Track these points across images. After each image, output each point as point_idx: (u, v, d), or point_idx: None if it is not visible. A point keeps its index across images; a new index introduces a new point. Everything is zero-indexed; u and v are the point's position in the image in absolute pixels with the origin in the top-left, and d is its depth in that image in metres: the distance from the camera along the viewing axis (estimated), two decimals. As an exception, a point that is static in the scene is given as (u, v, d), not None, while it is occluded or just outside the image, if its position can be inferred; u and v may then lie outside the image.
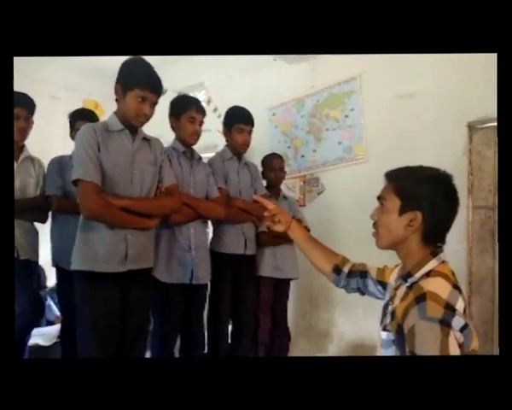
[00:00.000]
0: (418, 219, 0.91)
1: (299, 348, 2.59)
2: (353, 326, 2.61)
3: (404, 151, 2.36)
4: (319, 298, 2.79)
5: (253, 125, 2.10)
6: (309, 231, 2.41)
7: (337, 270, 1.17)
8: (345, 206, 2.65)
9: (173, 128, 1.87)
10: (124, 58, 1.51)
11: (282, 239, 2.21)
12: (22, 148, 1.98)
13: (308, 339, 2.79)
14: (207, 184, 1.88)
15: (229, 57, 2.93)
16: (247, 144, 2.09)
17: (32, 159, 2.03)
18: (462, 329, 0.81)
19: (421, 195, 0.91)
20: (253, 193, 2.13)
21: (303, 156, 2.87)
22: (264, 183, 2.31)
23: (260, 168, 2.33)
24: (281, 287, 2.27)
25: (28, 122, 1.94)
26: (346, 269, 1.17)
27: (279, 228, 1.22)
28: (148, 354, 1.75)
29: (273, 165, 2.31)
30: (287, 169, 2.59)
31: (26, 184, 1.95)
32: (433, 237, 0.94)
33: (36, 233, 2.03)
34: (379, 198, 1.00)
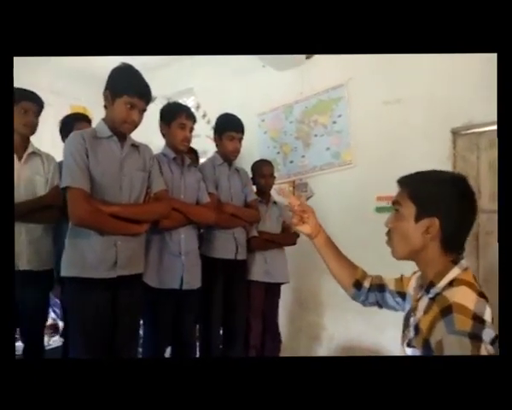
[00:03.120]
0: (436, 226, 0.86)
1: (289, 351, 2.61)
2: (342, 329, 2.64)
3: (390, 156, 2.41)
4: (309, 302, 2.82)
5: (243, 133, 2.12)
6: (296, 235, 2.43)
7: (358, 285, 1.12)
8: (333, 210, 2.68)
9: (163, 135, 1.88)
10: (116, 59, 1.50)
11: (273, 244, 2.26)
12: (27, 145, 1.88)
13: (298, 342, 2.81)
14: (198, 189, 1.89)
15: (218, 63, 2.96)
16: (237, 152, 2.11)
17: (39, 155, 1.91)
18: (493, 341, 0.76)
19: (438, 199, 0.87)
20: (243, 198, 2.15)
21: (292, 162, 2.90)
22: (254, 188, 2.33)
23: (250, 174, 2.35)
24: (271, 291, 2.29)
25: (37, 118, 1.88)
26: (366, 284, 1.12)
27: (305, 229, 1.13)
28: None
29: (263, 171, 2.33)
30: (276, 174, 2.61)
31: (33, 182, 1.85)
32: (453, 244, 0.89)
33: (48, 239, 1.91)
34: (393, 204, 0.96)
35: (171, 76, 3.48)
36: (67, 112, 3.52)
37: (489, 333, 0.76)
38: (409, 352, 0.89)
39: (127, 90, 1.44)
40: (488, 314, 0.78)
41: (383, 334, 2.42)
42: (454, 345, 0.75)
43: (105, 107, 1.52)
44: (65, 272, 1.46)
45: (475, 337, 0.74)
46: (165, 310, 1.73)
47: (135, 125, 1.50)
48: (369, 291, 1.12)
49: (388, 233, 0.96)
